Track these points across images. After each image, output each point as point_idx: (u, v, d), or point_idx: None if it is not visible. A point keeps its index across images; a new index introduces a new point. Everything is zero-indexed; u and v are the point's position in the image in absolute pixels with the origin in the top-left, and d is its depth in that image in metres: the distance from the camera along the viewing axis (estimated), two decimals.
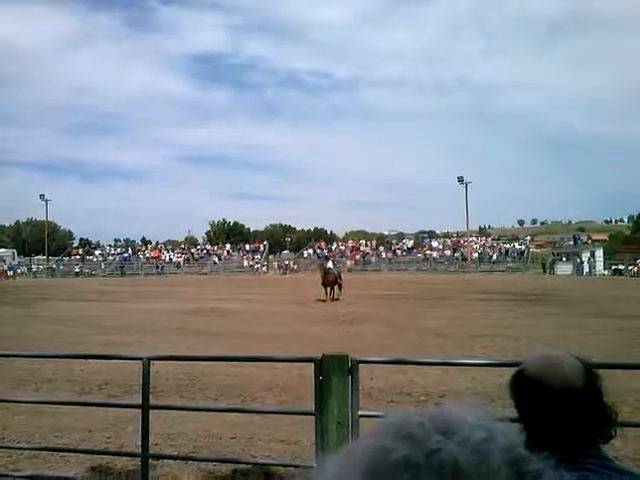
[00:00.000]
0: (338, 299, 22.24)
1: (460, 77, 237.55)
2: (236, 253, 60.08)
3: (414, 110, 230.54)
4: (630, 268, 42.34)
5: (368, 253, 56.90)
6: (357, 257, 55.75)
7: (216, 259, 58.31)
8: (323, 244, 62.40)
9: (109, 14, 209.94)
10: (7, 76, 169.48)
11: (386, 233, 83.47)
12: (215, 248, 61.93)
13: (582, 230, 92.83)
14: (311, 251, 61.05)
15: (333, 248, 60.47)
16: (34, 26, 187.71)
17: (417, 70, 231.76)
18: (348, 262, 52.90)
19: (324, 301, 21.69)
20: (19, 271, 54.81)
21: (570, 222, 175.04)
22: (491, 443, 0.50)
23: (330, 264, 24.05)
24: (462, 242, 57.17)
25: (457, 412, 0.55)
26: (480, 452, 0.49)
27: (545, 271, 47.48)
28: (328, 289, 22.30)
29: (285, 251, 76.23)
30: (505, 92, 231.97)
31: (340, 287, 22.83)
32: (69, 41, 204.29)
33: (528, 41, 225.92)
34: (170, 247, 63.34)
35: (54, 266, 56.76)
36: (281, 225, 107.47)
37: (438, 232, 74.56)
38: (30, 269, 56.85)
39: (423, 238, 63.72)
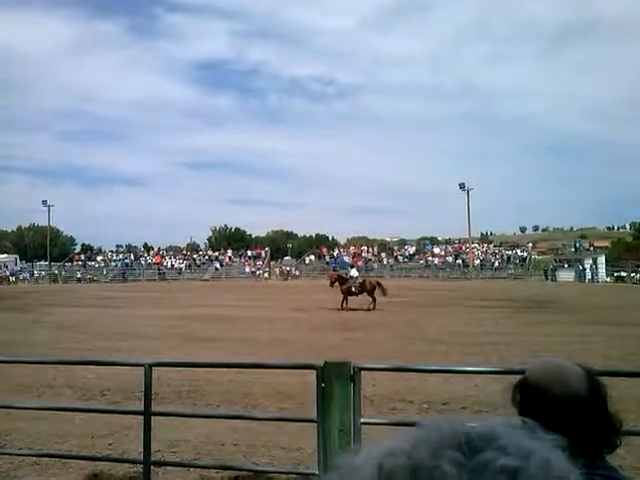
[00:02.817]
0: (368, 309, 20.82)
1: (463, 83, 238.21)
2: (238, 259, 60.07)
3: (416, 116, 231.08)
4: (632, 275, 42.23)
5: (370, 259, 56.86)
6: (359, 263, 55.72)
7: (218, 265, 58.27)
8: (325, 250, 62.38)
9: (113, 21, 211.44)
10: (10, 82, 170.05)
11: (388, 239, 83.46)
12: (217, 254, 61.94)
13: (584, 237, 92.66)
14: (313, 257, 61.07)
15: (335, 254, 60.44)
16: (37, 32, 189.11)
17: (420, 76, 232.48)
18: (352, 270, 52.81)
19: (341, 309, 21.00)
20: (21, 277, 54.83)
21: (572, 229, 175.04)
22: (518, 473, 0.45)
23: (353, 272, 22.82)
24: (464, 249, 57.10)
25: (503, 429, 0.49)
26: None
27: (547, 278, 47.37)
28: (344, 298, 21.50)
29: (287, 257, 76.11)
30: (507, 98, 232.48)
31: (372, 296, 21.36)
32: (72, 47, 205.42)
33: (532, 47, 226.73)
34: (172, 253, 63.33)
35: (56, 272, 56.76)
36: (283, 231, 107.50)
37: (440, 238, 74.38)
38: (32, 275, 56.81)
39: (425, 244, 63.66)
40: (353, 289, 21.72)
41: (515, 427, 0.51)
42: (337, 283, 22.30)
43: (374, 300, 21.18)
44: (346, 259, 24.21)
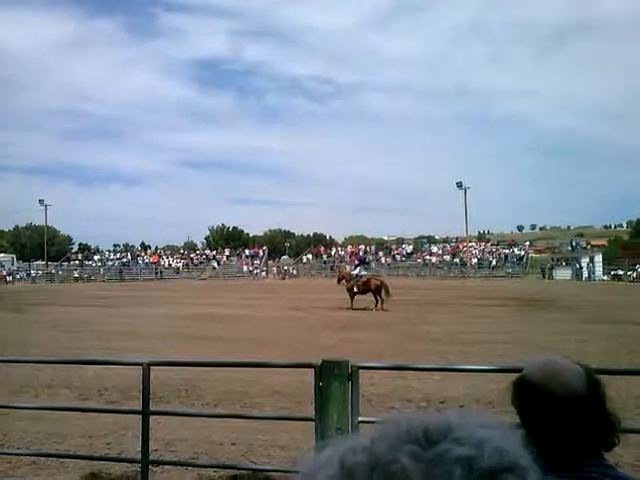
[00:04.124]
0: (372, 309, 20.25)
1: (461, 83, 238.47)
2: (235, 258, 60.09)
3: (414, 115, 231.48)
4: (629, 273, 42.37)
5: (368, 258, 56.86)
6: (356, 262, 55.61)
7: (215, 264, 58.27)
8: (322, 249, 62.38)
9: (110, 20, 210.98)
10: (6, 80, 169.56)
11: (385, 238, 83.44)
12: (214, 253, 61.92)
13: (581, 235, 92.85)
14: (310, 256, 61.07)
15: (332, 253, 60.48)
16: (34, 30, 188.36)
17: (417, 76, 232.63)
18: (347, 267, 52.82)
19: (351, 309, 20.65)
20: (18, 276, 54.73)
21: (569, 227, 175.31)
22: (472, 462, 0.47)
23: (358, 270, 22.08)
24: (461, 247, 57.18)
25: (458, 422, 0.51)
26: (447, 473, 0.46)
27: (544, 276, 47.49)
28: (352, 296, 21.07)
29: (284, 256, 76.14)
30: (505, 98, 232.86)
31: (378, 295, 20.60)
32: (70, 46, 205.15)
33: (530, 47, 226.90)
34: (169, 252, 63.35)
35: (53, 271, 56.65)
36: (280, 230, 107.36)
37: (437, 237, 74.38)
38: (29, 274, 56.71)
39: (422, 243, 63.73)
40: (355, 288, 21.16)
41: (471, 418, 0.53)
42: (344, 281, 21.89)
43: (378, 300, 20.59)
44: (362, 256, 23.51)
